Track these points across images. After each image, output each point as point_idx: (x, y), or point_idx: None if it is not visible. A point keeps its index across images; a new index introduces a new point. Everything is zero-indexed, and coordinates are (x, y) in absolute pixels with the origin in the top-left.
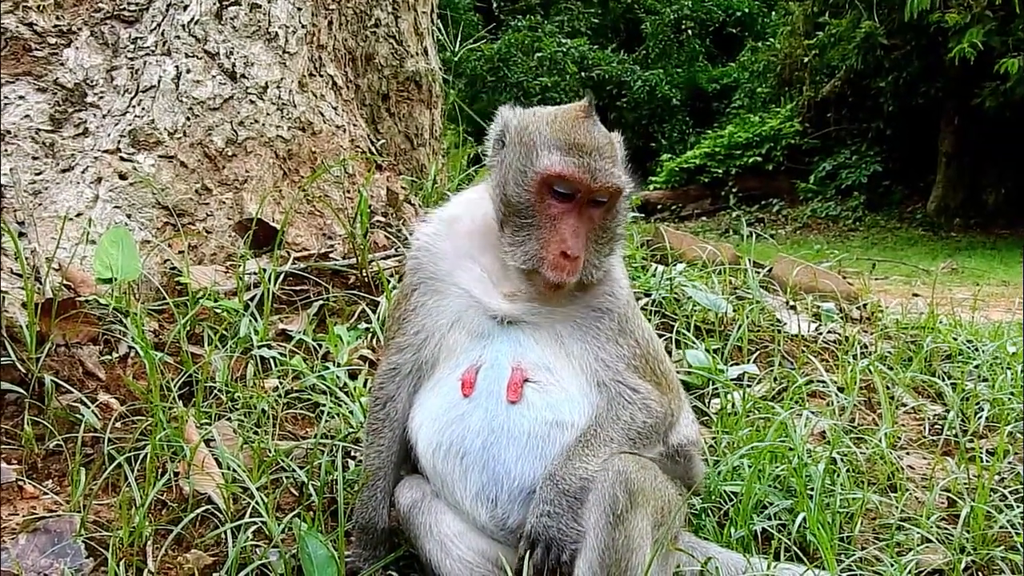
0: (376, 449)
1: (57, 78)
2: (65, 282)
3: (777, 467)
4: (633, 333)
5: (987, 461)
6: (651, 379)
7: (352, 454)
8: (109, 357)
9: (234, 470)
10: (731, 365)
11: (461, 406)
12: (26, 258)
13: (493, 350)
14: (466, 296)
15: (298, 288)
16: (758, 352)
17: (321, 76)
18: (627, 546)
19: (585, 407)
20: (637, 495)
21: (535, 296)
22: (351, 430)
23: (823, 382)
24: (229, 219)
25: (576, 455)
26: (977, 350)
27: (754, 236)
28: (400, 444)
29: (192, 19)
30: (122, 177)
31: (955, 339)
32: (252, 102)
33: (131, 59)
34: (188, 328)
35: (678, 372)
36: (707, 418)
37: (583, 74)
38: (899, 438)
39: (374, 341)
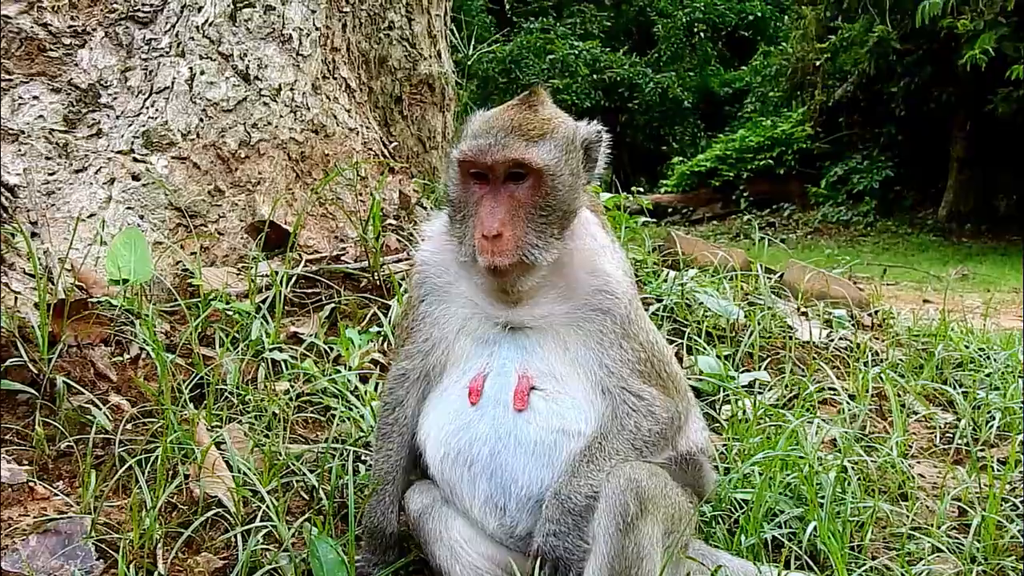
0: (385, 454)
1: (71, 79)
2: (77, 283)
3: (788, 475)
4: (637, 336)
5: (998, 470)
6: (656, 383)
7: (363, 458)
8: (120, 358)
9: (245, 473)
10: (742, 372)
11: (468, 414)
12: (39, 258)
13: (500, 357)
14: (470, 304)
15: (310, 291)
16: (769, 359)
17: (335, 78)
18: (637, 553)
19: (591, 414)
20: (647, 502)
21: (517, 296)
22: (362, 434)
23: (834, 389)
24: (241, 221)
25: (581, 471)
26: (989, 358)
27: (766, 241)
28: (409, 449)
29: (206, 21)
30: (135, 178)
31: (967, 347)
32: (266, 104)
33: (145, 60)
34: (200, 330)
35: (689, 378)
36: (718, 425)
37: (595, 76)
38: (910, 447)
39: (385, 344)
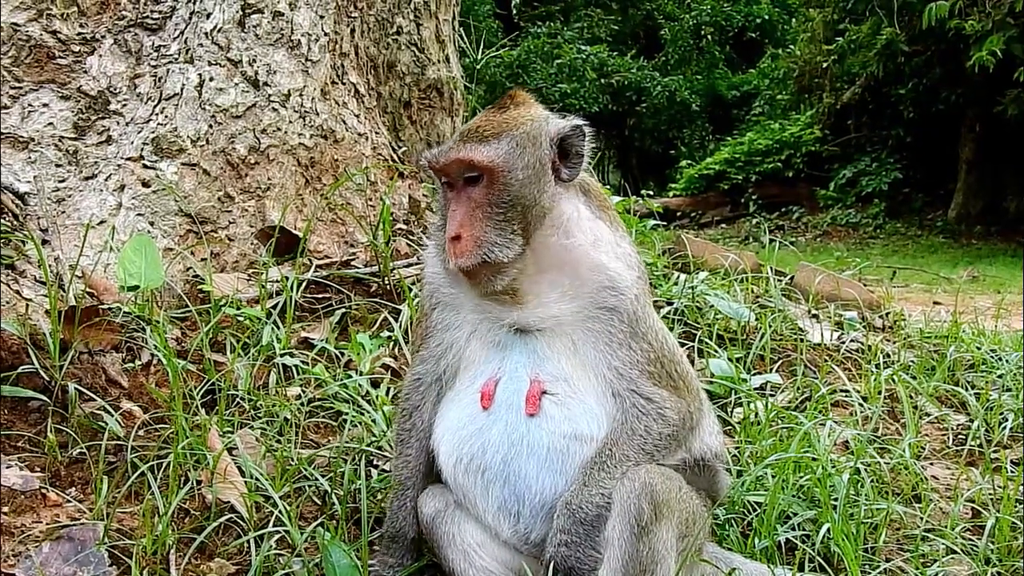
0: (404, 459)
1: (80, 86)
2: (88, 290)
3: (801, 477)
4: (646, 336)
5: (1012, 472)
6: (667, 383)
7: (375, 462)
8: (132, 365)
9: (257, 479)
10: (754, 374)
11: (480, 419)
12: (49, 266)
13: (512, 362)
14: (480, 309)
15: (320, 296)
16: (781, 361)
17: (343, 84)
18: (651, 558)
19: (603, 418)
20: (662, 507)
21: (517, 298)
22: (374, 438)
23: (846, 391)
24: (251, 227)
25: (592, 480)
26: (1000, 360)
27: (776, 244)
28: (427, 453)
29: (215, 27)
30: (145, 185)
31: (978, 348)
32: (275, 110)
33: (154, 67)
34: (211, 336)
35: (700, 381)
36: (730, 427)
37: (602, 80)
38: (923, 448)
39: (396, 349)
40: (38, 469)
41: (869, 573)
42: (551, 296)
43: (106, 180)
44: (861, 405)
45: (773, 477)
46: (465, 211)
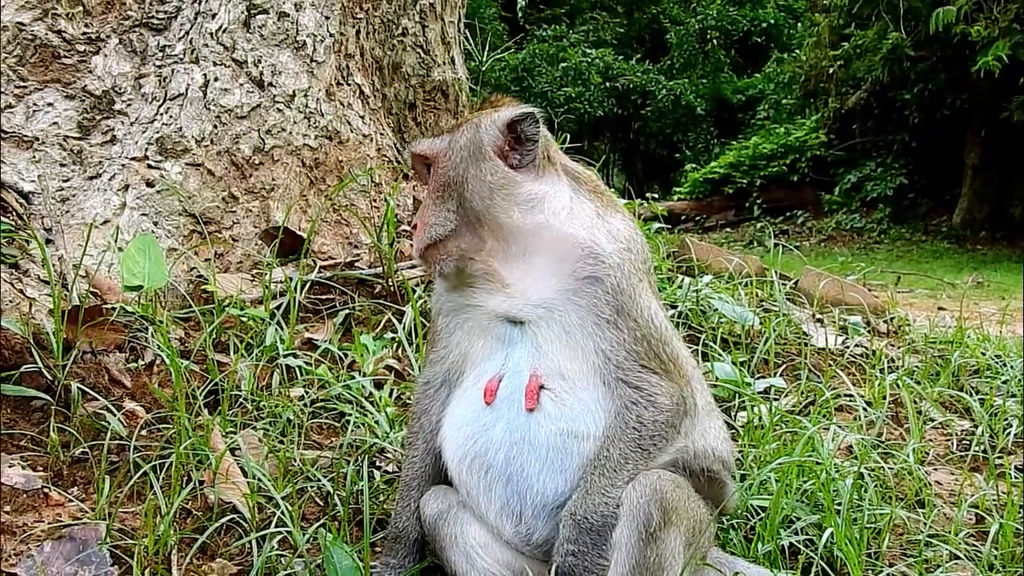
0: (411, 461)
1: (85, 85)
2: (92, 289)
3: (804, 482)
4: (631, 313)
5: (1016, 477)
6: (656, 366)
7: (377, 464)
8: (135, 365)
9: (259, 479)
10: (758, 378)
11: (484, 416)
12: (53, 265)
13: (515, 357)
14: (476, 307)
15: (324, 297)
16: (785, 365)
17: (348, 85)
18: (659, 564)
19: (599, 412)
20: (671, 513)
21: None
22: (376, 440)
23: (850, 396)
24: (256, 227)
25: (594, 487)
26: (1005, 365)
27: (781, 248)
28: (433, 455)
29: (220, 27)
30: (149, 184)
31: (983, 354)
32: (279, 110)
33: (159, 67)
34: (214, 336)
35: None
36: (734, 431)
37: (608, 84)
38: (927, 453)
39: (400, 351)
40: (40, 468)
41: None
42: (532, 277)
43: (110, 180)
44: (865, 410)
45: (777, 481)
46: (422, 204)
